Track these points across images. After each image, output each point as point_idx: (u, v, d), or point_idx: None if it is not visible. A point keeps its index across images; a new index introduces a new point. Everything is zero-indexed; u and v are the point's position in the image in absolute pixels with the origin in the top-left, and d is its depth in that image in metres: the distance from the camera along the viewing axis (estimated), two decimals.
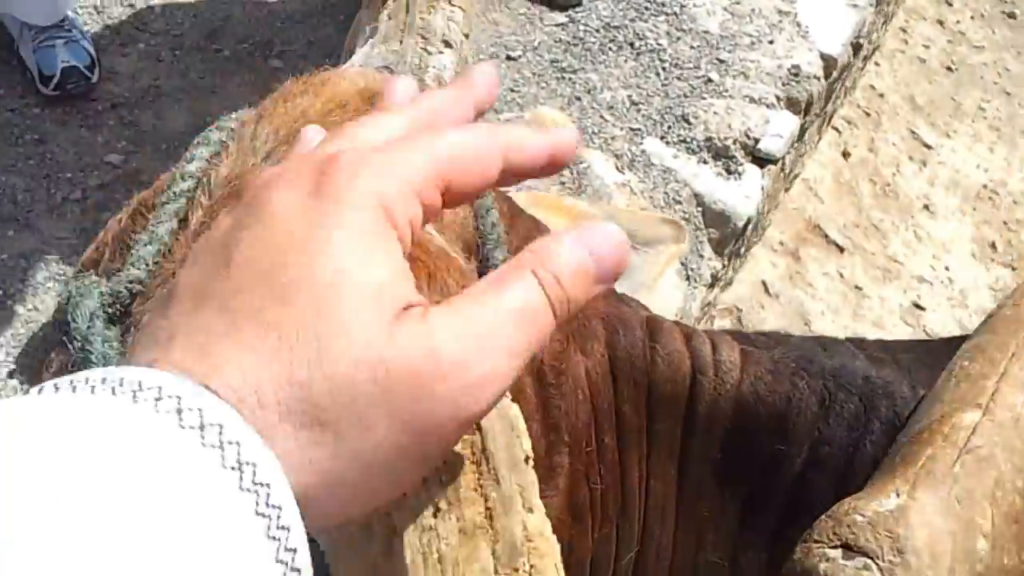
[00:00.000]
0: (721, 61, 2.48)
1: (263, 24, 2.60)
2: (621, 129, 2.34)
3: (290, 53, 2.54)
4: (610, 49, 2.54)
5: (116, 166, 2.32)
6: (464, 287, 0.53)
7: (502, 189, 0.86)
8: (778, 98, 2.39)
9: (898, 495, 0.57)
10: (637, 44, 2.54)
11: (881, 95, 3.13)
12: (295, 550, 0.34)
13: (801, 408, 0.75)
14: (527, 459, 0.50)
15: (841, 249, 2.76)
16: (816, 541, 0.56)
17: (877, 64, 3.18)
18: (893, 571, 0.54)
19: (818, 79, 2.45)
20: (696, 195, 2.21)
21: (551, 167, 0.48)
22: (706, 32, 2.56)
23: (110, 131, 2.38)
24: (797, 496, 0.69)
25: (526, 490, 0.48)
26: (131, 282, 0.63)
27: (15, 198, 2.23)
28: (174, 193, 0.66)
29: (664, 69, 2.48)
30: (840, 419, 0.74)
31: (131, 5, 2.61)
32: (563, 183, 2.19)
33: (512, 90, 2.46)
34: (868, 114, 3.08)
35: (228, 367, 0.36)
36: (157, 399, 0.34)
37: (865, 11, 2.66)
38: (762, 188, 2.29)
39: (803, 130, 2.52)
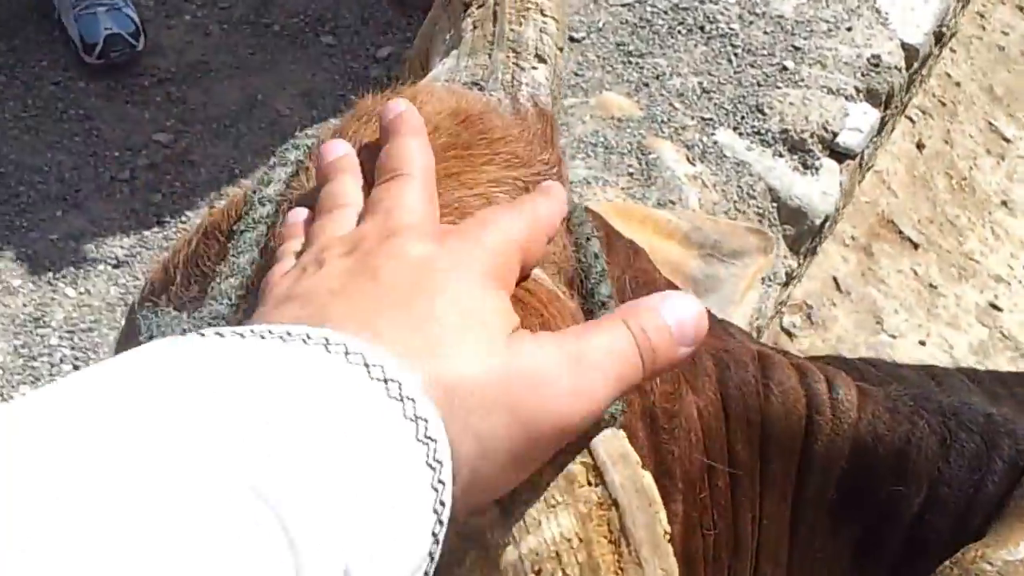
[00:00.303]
0: (797, 48, 2.46)
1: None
2: (692, 118, 2.33)
3: (343, 30, 2.54)
4: (679, 32, 2.53)
5: (165, 145, 2.33)
6: None
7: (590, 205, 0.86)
8: (857, 89, 2.37)
9: None
10: (708, 27, 2.53)
11: (957, 84, 3.10)
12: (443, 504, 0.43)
13: (921, 447, 0.74)
14: (665, 534, 0.51)
15: (915, 245, 2.75)
16: None
17: (953, 51, 3.15)
18: None
19: (899, 70, 2.43)
20: (771, 190, 2.20)
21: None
22: (780, 16, 2.54)
23: (157, 108, 2.39)
24: (914, 537, 0.69)
25: (671, 575, 0.50)
26: (214, 318, 0.63)
27: (62, 176, 2.25)
28: (253, 220, 0.66)
29: (736, 55, 2.46)
30: (961, 459, 0.74)
31: None
32: (631, 174, 2.19)
33: (576, 74, 2.44)
34: (943, 104, 3.05)
35: (392, 345, 0.44)
36: (346, 353, 0.42)
37: None
38: (840, 184, 2.27)
39: (883, 123, 2.50)
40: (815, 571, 0.77)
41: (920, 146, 2.96)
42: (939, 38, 2.71)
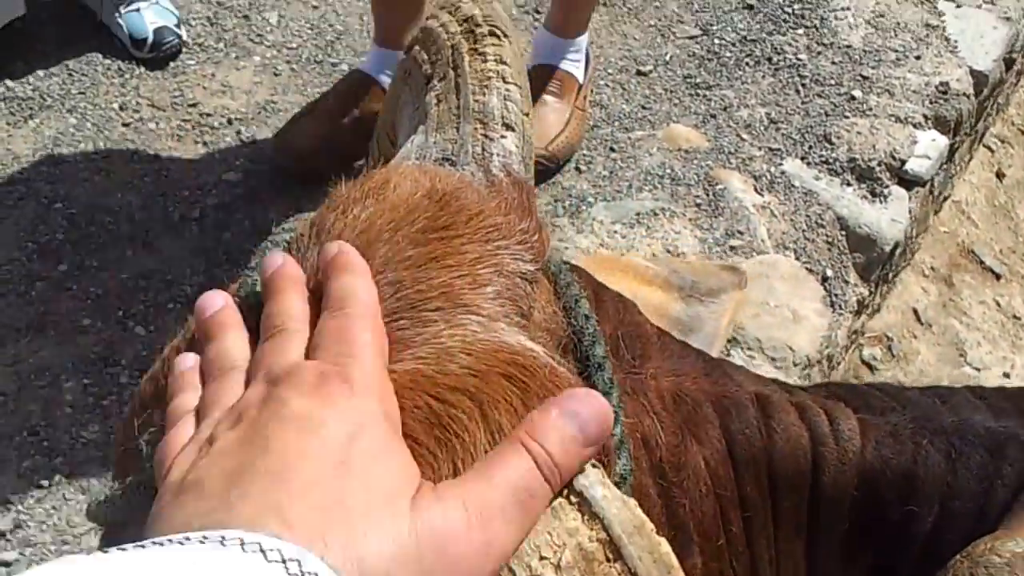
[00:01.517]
0: (865, 78, 2.89)
1: None
2: (759, 149, 2.75)
3: None
4: (747, 64, 2.96)
5: (234, 184, 2.73)
6: None
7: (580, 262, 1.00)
8: (925, 117, 2.78)
9: None
10: (775, 59, 2.96)
11: None
12: None
13: (928, 466, 0.85)
14: None
15: (997, 276, 3.13)
16: None
17: None
18: None
19: (968, 97, 2.84)
20: (839, 218, 2.60)
21: None
22: (848, 46, 2.97)
23: (227, 148, 2.82)
24: (929, 552, 0.76)
25: None
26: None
27: (132, 216, 2.63)
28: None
29: (804, 86, 2.89)
30: (968, 471, 0.84)
31: (245, 17, 3.08)
32: (698, 205, 2.60)
33: (643, 107, 2.87)
34: (1023, 132, 3.47)
35: (304, 527, 0.52)
36: (262, 551, 0.49)
37: (1019, 24, 3.04)
38: (910, 211, 2.67)
39: (952, 150, 2.91)
40: None
41: (1000, 175, 3.36)
42: (1009, 64, 3.11)
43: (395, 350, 0.68)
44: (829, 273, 2.53)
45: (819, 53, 2.96)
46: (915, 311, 3.02)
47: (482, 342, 0.70)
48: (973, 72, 2.91)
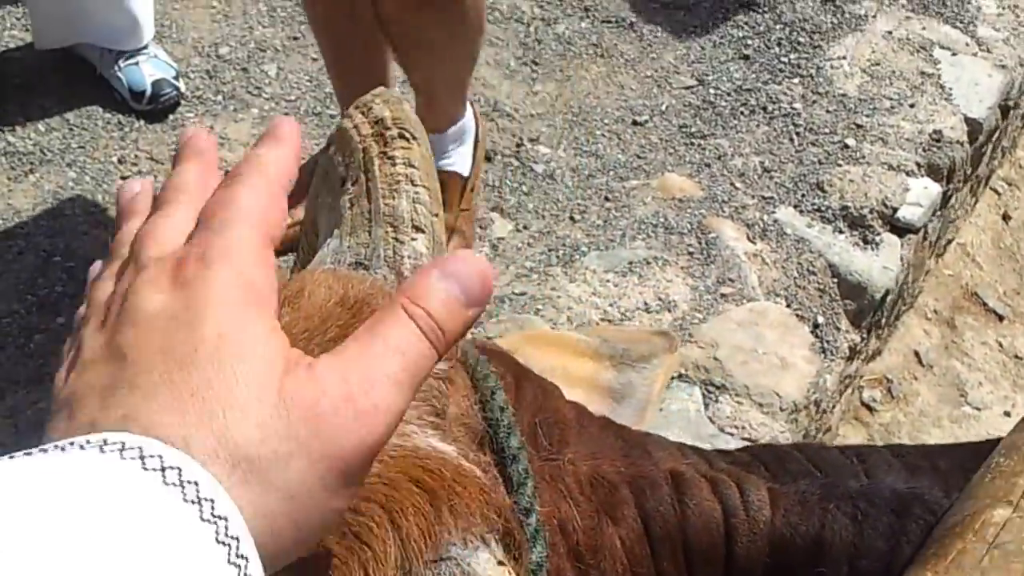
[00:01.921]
0: (859, 126, 3.06)
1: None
2: (752, 197, 2.91)
3: None
4: (742, 113, 3.14)
5: None
6: (491, 505, 0.73)
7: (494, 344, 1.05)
8: (918, 165, 2.94)
9: None
10: (770, 108, 3.13)
11: None
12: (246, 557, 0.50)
13: (835, 530, 0.90)
14: None
15: (1000, 317, 3.28)
16: None
17: None
18: None
19: (961, 144, 3.00)
20: (831, 265, 2.76)
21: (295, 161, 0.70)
22: (843, 95, 3.14)
23: None
24: None
25: None
26: None
27: None
28: None
29: (798, 134, 3.06)
30: (875, 531, 0.91)
31: (244, 69, 3.28)
32: (691, 253, 2.76)
33: (638, 157, 3.05)
34: None
35: (161, 427, 0.52)
36: (132, 454, 0.49)
37: (1014, 72, 3.21)
38: (902, 258, 2.83)
39: (947, 197, 3.07)
40: None
41: (1007, 217, 3.52)
42: (1005, 111, 3.28)
43: None
44: (820, 320, 2.68)
45: (814, 102, 3.13)
46: (916, 353, 3.17)
47: (393, 448, 0.73)
48: (967, 120, 3.07)
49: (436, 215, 0.97)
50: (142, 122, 3.15)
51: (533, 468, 0.86)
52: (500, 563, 0.71)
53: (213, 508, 0.49)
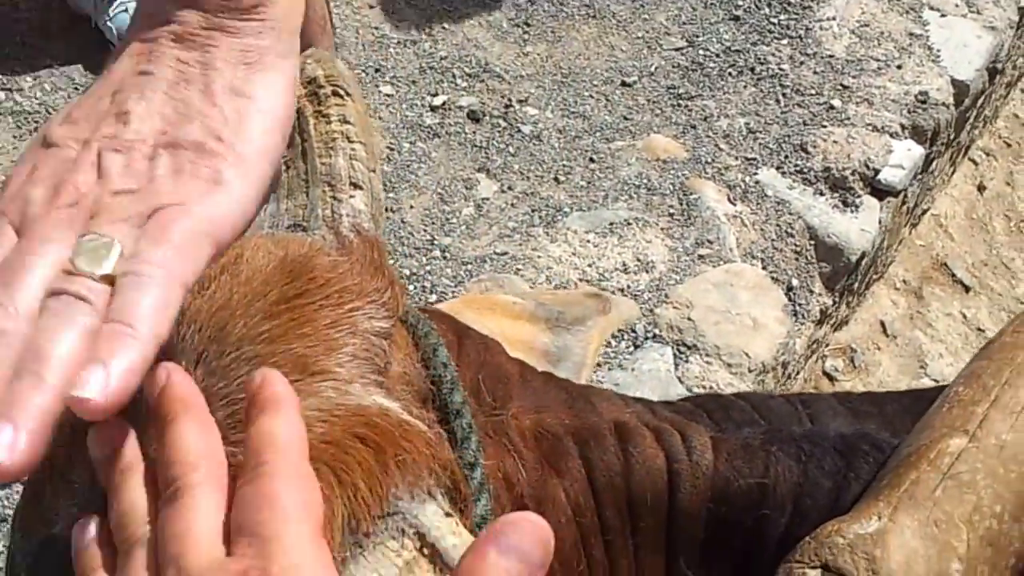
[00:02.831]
0: (845, 87, 3.00)
1: (375, 49, 3.23)
2: (736, 159, 2.87)
3: (400, 80, 3.16)
4: (730, 75, 3.09)
5: None
6: (437, 459, 0.74)
7: (437, 306, 1.08)
8: (903, 126, 2.89)
9: (879, 518, 0.72)
10: (758, 69, 3.09)
11: None
12: None
13: (779, 471, 0.91)
14: None
15: (967, 288, 3.23)
16: (798, 561, 0.73)
17: (1023, 91, 3.66)
18: None
19: (947, 107, 2.94)
20: (809, 228, 2.72)
21: None
22: (831, 56, 3.09)
23: None
24: (785, 548, 0.79)
25: None
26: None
27: None
28: None
29: (785, 96, 3.01)
30: (820, 471, 0.91)
31: None
32: (671, 215, 2.73)
33: (625, 118, 3.02)
34: (1009, 145, 3.54)
35: None
36: None
37: (1004, 34, 3.13)
38: (880, 221, 2.79)
39: (929, 161, 3.01)
40: None
41: (981, 188, 3.45)
42: (993, 74, 3.21)
43: None
44: (795, 282, 2.65)
45: (802, 63, 3.09)
46: (882, 323, 3.13)
47: (337, 407, 0.73)
48: (955, 82, 3.01)
49: (373, 171, 0.97)
50: None
51: (477, 423, 0.85)
52: (447, 515, 0.70)
53: None
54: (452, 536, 0.69)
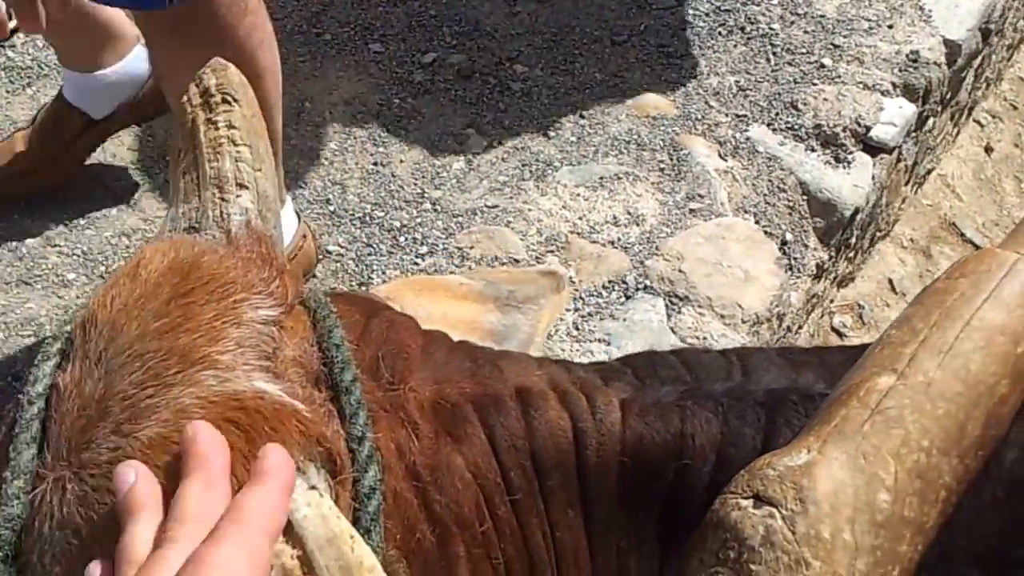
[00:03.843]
0: (836, 46, 3.01)
1: (365, 7, 3.22)
2: (726, 116, 2.87)
3: (390, 37, 3.15)
4: (719, 33, 3.09)
5: None
6: (309, 434, 0.81)
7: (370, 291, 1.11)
8: (894, 85, 2.89)
9: (808, 451, 0.75)
10: (748, 28, 3.09)
11: None
12: None
13: (696, 424, 0.95)
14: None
15: (977, 248, 3.24)
16: (732, 492, 0.75)
17: None
18: (794, 519, 0.71)
19: (939, 65, 2.95)
20: (801, 183, 2.72)
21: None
22: (822, 16, 3.09)
23: None
24: (715, 495, 0.80)
25: None
26: (10, 521, 0.80)
27: (119, 177, 2.82)
28: (26, 420, 0.84)
29: (775, 54, 3.01)
30: (743, 422, 0.95)
31: None
32: (662, 170, 2.73)
33: (615, 76, 3.01)
34: (1015, 107, 3.56)
35: None
36: None
37: None
38: (874, 178, 2.79)
39: (923, 119, 3.01)
40: (623, 560, 0.97)
41: (988, 150, 3.46)
42: (987, 35, 3.22)
43: (144, 418, 0.79)
44: (789, 237, 2.65)
45: (792, 23, 3.09)
46: (890, 281, 3.13)
47: (215, 394, 0.80)
48: (946, 41, 3.02)
49: (259, 170, 1.04)
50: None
51: (373, 399, 0.91)
52: (312, 488, 0.76)
53: None
54: (306, 507, 0.74)
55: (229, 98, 1.05)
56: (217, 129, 1.04)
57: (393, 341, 0.98)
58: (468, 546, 0.92)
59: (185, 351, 0.82)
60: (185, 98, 1.08)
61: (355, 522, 0.82)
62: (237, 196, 1.00)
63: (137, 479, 0.75)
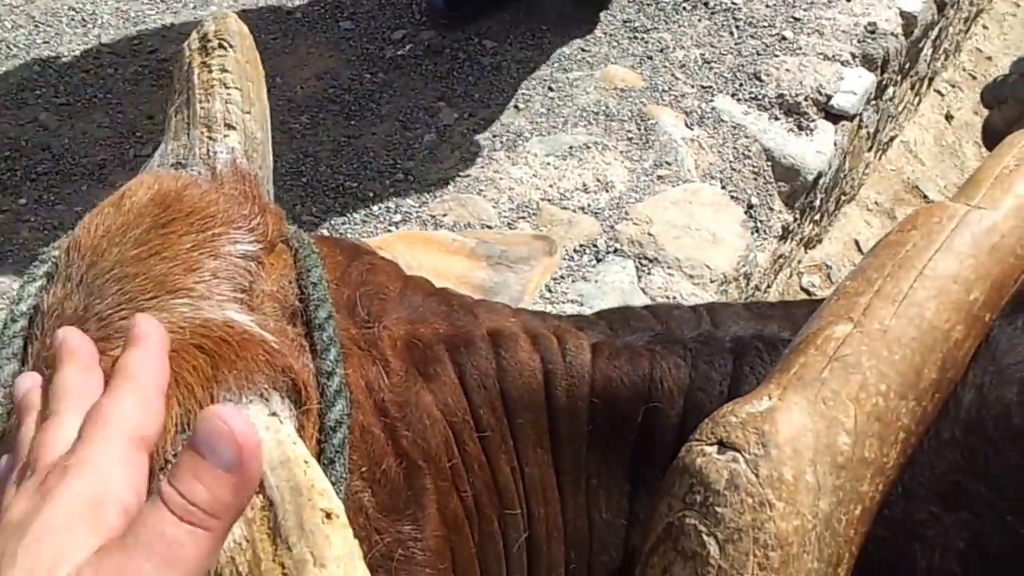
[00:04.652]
0: (796, 19, 3.13)
1: None
2: (692, 87, 2.99)
3: (361, 15, 3.24)
4: (684, 8, 3.21)
5: None
6: (275, 364, 0.82)
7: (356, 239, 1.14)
8: (853, 55, 3.02)
9: (770, 398, 0.77)
10: (712, 3, 3.20)
11: (989, 58, 3.75)
12: None
13: (665, 367, 0.98)
14: (329, 515, 0.72)
15: None
16: (697, 440, 0.77)
17: (986, 27, 3.80)
18: (757, 463, 0.73)
19: (896, 36, 3.08)
20: (766, 150, 2.84)
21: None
22: None
23: None
24: (684, 439, 0.81)
25: (317, 549, 0.69)
26: None
27: (89, 155, 2.89)
28: (9, 336, 0.87)
29: (738, 28, 3.13)
30: (710, 367, 0.97)
31: None
32: (630, 139, 2.84)
33: (583, 50, 3.12)
34: (974, 77, 3.69)
35: None
36: None
37: None
38: (835, 144, 2.91)
39: (882, 87, 3.14)
40: (592, 497, 0.99)
41: (949, 117, 3.60)
42: (942, 6, 3.35)
43: (117, 338, 0.82)
44: (754, 201, 2.76)
45: None
46: (856, 242, 3.26)
47: (186, 320, 0.83)
48: (903, 13, 3.14)
49: (248, 112, 1.08)
50: (105, 18, 3.22)
51: (348, 336, 0.94)
52: (272, 414, 0.78)
53: None
54: (264, 431, 0.76)
55: (225, 43, 1.11)
56: (210, 72, 1.09)
57: (372, 282, 1.01)
58: (435, 479, 0.94)
59: (161, 278, 0.85)
60: (186, 43, 1.13)
61: (320, 452, 0.84)
62: (225, 136, 1.04)
63: (32, 385, 0.79)
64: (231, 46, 1.12)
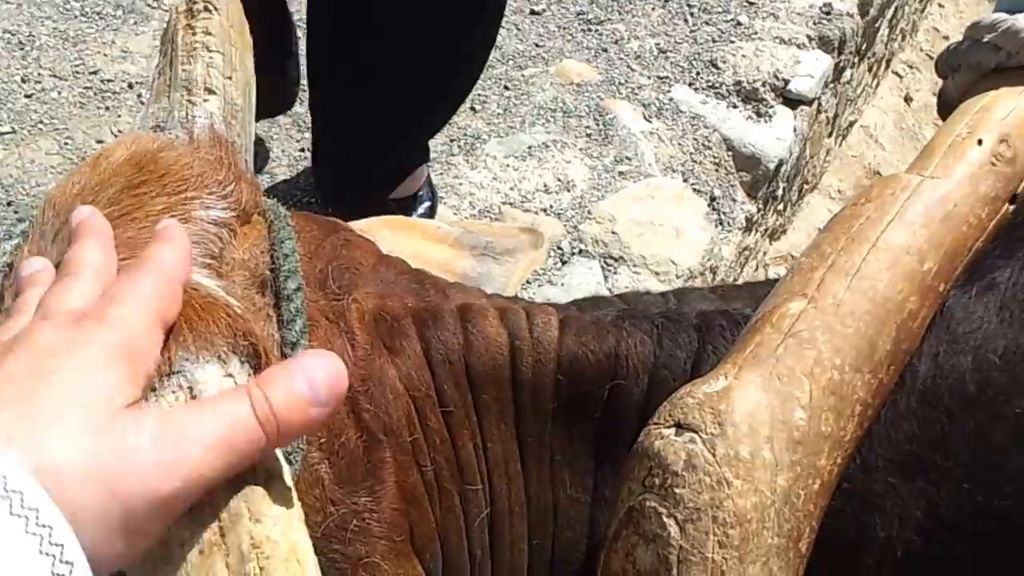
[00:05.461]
0: (751, 3, 3.15)
1: None
2: (649, 78, 3.01)
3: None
4: None
5: None
6: (236, 328, 0.81)
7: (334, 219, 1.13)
8: (809, 38, 3.05)
9: (726, 377, 0.79)
10: None
11: (946, 37, 3.79)
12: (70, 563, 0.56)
13: (630, 344, 0.99)
14: (269, 473, 0.72)
15: None
16: (655, 423, 0.79)
17: (941, 6, 3.85)
18: (714, 441, 0.75)
19: (851, 16, 3.11)
20: (726, 140, 2.86)
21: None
22: None
23: (128, 111, 3.08)
24: (647, 416, 0.83)
25: (252, 504, 0.69)
26: None
27: (36, 183, 2.84)
28: None
29: (692, 15, 3.16)
30: (674, 345, 0.99)
31: None
32: (589, 135, 2.86)
33: (537, 45, 3.14)
34: (931, 57, 3.74)
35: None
36: None
37: None
38: (795, 129, 2.94)
39: (840, 70, 3.17)
40: (556, 474, 1.02)
41: (908, 99, 3.64)
42: None
43: None
44: (717, 192, 2.78)
45: None
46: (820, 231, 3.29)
47: None
48: None
49: (229, 78, 1.09)
50: (44, 39, 3.21)
51: (317, 308, 0.97)
52: (228, 375, 0.79)
53: (38, 518, 0.56)
54: (216, 391, 0.77)
55: (211, 7, 1.12)
56: (194, 34, 1.10)
57: (346, 257, 1.03)
58: (395, 453, 0.96)
59: (131, 240, 0.87)
60: (174, 5, 1.14)
61: None
62: (204, 100, 1.05)
63: (44, 267, 0.83)
64: (216, 9, 1.13)
